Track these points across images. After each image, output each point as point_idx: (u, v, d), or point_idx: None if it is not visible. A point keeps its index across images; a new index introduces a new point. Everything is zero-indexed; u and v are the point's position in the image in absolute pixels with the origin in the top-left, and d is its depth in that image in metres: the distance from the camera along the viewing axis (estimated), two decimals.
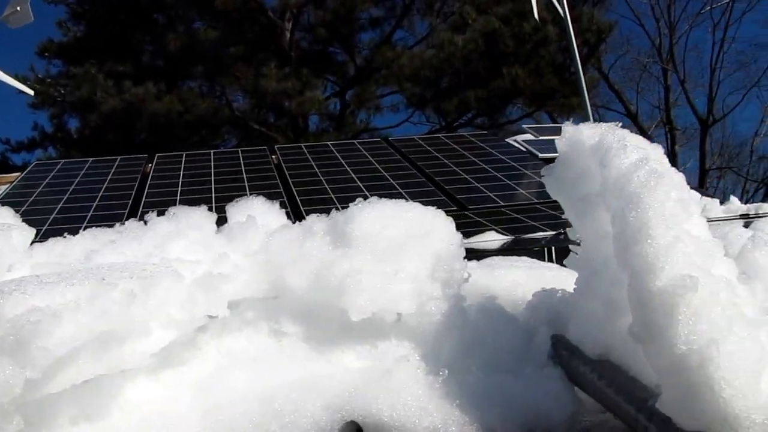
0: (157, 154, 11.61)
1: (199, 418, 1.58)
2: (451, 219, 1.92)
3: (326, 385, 1.63)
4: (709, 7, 35.28)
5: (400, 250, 1.82)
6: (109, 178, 10.28)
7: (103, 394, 1.57)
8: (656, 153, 1.66)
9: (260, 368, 1.71)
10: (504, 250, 6.03)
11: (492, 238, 6.75)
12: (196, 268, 1.76)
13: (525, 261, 2.64)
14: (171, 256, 1.80)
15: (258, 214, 2.03)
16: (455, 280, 1.82)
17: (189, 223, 1.95)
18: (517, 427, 1.59)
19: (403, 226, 1.86)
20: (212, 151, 12.38)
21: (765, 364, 1.33)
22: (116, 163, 11.04)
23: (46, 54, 27.11)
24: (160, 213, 2.06)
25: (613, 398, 1.52)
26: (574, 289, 1.74)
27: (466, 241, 6.57)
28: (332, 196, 9.40)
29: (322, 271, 1.78)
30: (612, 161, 1.58)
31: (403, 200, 1.94)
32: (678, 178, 1.63)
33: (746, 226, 2.59)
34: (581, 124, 1.76)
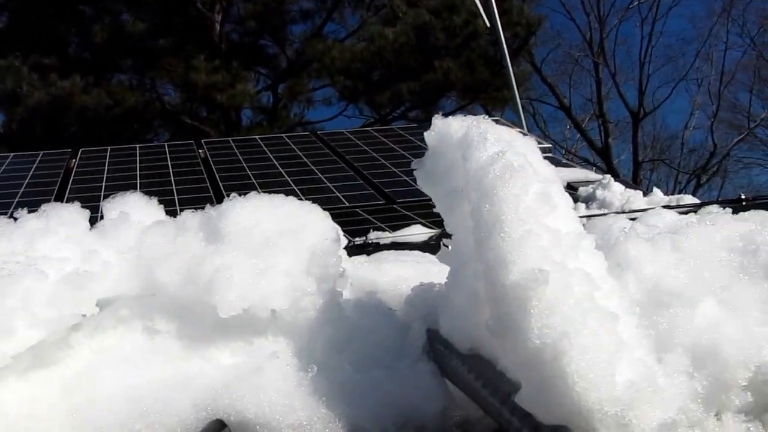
0: (81, 149, 11.41)
1: (66, 418, 1.55)
2: (327, 213, 1.91)
3: (195, 383, 1.61)
4: (637, 2, 35.90)
5: (274, 245, 1.80)
6: (30, 173, 10.06)
7: None
8: (525, 146, 1.67)
9: (131, 367, 1.69)
10: (431, 244, 6.04)
11: (418, 232, 6.76)
12: (64, 266, 1.72)
13: (414, 255, 2.63)
14: (38, 254, 1.76)
15: (134, 211, 2.00)
16: (330, 275, 1.81)
17: (60, 220, 1.91)
18: (387, 424, 1.58)
19: (277, 221, 1.84)
20: (138, 145, 12.21)
21: (621, 356, 1.35)
22: (38, 158, 10.81)
23: None
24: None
25: (480, 392, 1.52)
26: (445, 283, 1.75)
27: (392, 234, 6.57)
28: (259, 191, 9.31)
29: (193, 267, 1.76)
30: (472, 155, 1.58)
31: (281, 195, 1.93)
32: (546, 171, 1.64)
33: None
34: (451, 117, 1.76)
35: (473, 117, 1.73)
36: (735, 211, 2.19)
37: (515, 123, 14.94)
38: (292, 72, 27.90)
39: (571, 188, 9.95)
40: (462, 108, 27.19)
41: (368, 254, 2.60)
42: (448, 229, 1.77)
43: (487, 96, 26.26)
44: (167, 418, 1.53)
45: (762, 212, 2.16)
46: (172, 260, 1.78)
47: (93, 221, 2.03)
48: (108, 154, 11.09)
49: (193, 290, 1.74)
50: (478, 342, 1.57)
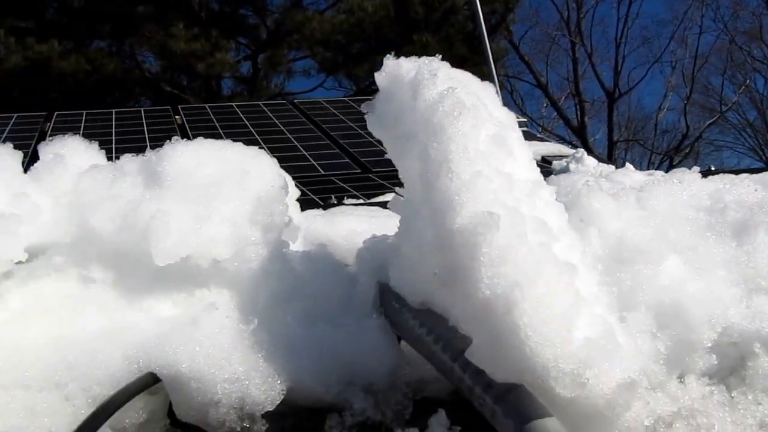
0: (56, 113, 11.24)
1: None
2: (275, 160, 1.81)
3: (128, 335, 1.51)
4: None
5: (217, 191, 1.70)
6: (3, 137, 9.89)
7: None
8: (482, 90, 1.58)
9: (63, 317, 1.58)
10: None
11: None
12: None
13: (371, 210, 2.53)
14: None
15: (72, 154, 1.89)
16: (276, 224, 1.71)
17: None
18: (331, 380, 1.50)
19: (220, 166, 1.74)
20: (114, 110, 12.06)
21: (579, 311, 1.26)
22: (12, 121, 10.64)
23: None
24: None
25: (431, 349, 1.43)
26: (396, 234, 1.66)
27: (366, 202, 6.50)
28: None
29: (129, 213, 1.65)
30: (421, 93, 1.48)
31: (225, 140, 1.84)
32: (504, 117, 1.55)
33: None
34: (402, 57, 1.66)
35: (425, 57, 1.63)
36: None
37: None
38: (272, 42, 27.71)
39: (546, 162, 9.95)
40: None
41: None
42: (400, 177, 1.68)
43: (465, 70, 26.13)
44: (95, 371, 1.43)
45: (729, 175, 2.10)
46: (107, 206, 1.68)
47: None
48: (83, 118, 10.94)
49: (129, 237, 1.64)
50: (429, 295, 1.48)
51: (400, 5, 25.35)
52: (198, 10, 26.12)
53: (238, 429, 1.40)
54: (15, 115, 11.02)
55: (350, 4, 26.54)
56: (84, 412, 1.37)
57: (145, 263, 1.65)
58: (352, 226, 2.14)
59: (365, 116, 1.70)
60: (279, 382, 1.43)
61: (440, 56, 1.66)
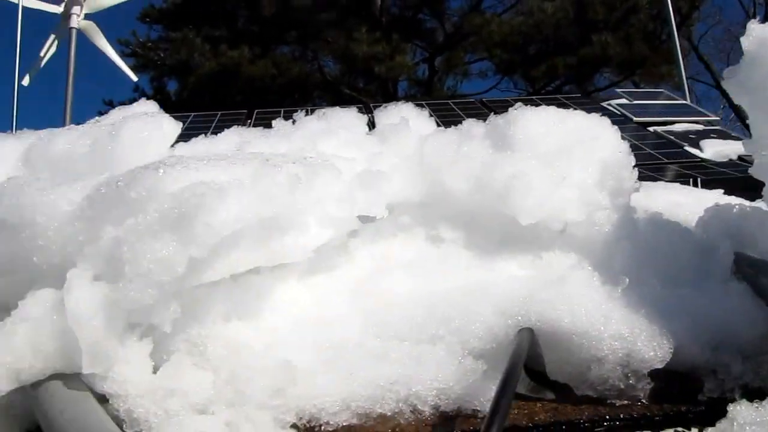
0: (256, 110, 11.65)
1: (360, 321, 1.50)
2: (616, 128, 1.78)
3: (493, 292, 1.51)
4: None
5: (566, 155, 1.69)
6: (209, 132, 10.31)
7: (253, 292, 1.48)
8: None
9: (418, 274, 1.61)
10: None
11: None
12: (353, 166, 1.66)
13: (678, 186, 2.49)
14: (327, 153, 1.71)
15: (409, 118, 1.93)
16: (625, 189, 1.69)
17: (339, 123, 1.86)
18: (704, 342, 1.44)
19: (566, 132, 1.73)
20: (308, 107, 12.39)
21: None
22: (216, 119, 11.10)
23: (147, 19, 27.64)
24: None
25: None
26: (764, 199, 1.60)
27: None
28: None
29: (484, 173, 1.66)
30: None
31: (567, 109, 1.82)
32: None
33: None
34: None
35: None
36: None
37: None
38: (448, 45, 27.82)
39: (743, 161, 9.48)
40: (616, 84, 26.51)
41: None
42: (759, 143, 1.62)
43: (643, 71, 25.49)
44: (471, 325, 1.44)
45: None
46: (459, 166, 1.69)
47: None
48: (281, 115, 11.29)
49: (481, 198, 1.65)
50: None
51: (580, 6, 24.93)
52: (379, 15, 26.54)
53: (622, 386, 1.37)
54: (218, 113, 11.49)
55: (529, 5, 26.32)
56: (468, 365, 1.39)
57: (493, 225, 1.66)
58: (672, 198, 2.11)
59: (724, 82, 1.67)
60: (664, 341, 1.39)
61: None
